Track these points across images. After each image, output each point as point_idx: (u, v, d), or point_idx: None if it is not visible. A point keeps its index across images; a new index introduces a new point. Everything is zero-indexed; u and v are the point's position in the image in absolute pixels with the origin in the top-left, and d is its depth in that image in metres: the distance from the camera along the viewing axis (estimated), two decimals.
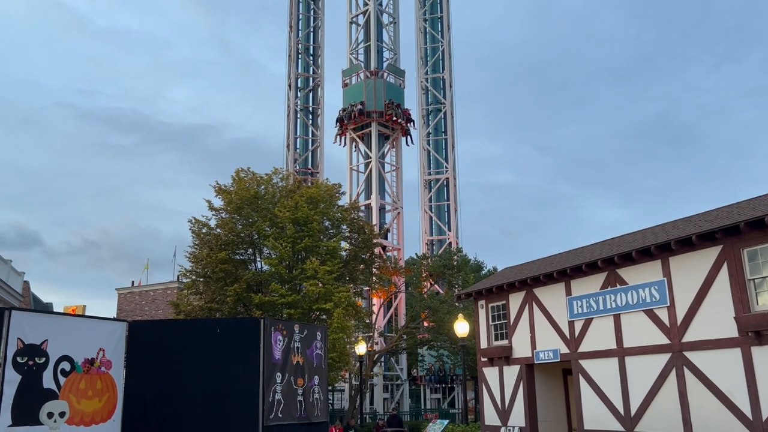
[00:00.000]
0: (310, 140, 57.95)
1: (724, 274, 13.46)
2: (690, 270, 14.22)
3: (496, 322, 20.16)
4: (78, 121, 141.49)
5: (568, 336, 17.34)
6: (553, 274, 17.43)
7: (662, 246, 14.49)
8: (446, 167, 54.99)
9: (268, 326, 10.43)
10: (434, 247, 53.23)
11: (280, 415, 10.35)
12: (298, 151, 57.22)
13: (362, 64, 51.41)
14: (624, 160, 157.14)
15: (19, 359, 8.53)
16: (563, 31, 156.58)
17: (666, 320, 14.63)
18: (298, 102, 57.97)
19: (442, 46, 57.51)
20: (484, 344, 20.48)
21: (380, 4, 53.85)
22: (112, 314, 49.06)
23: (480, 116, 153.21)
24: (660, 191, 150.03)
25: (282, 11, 76.84)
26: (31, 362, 8.66)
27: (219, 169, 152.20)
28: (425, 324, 36.93)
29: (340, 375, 31.35)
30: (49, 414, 8.73)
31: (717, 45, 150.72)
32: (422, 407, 45.72)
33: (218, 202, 27.87)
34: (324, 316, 26.23)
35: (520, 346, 19.00)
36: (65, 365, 9.10)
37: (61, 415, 8.89)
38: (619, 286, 15.91)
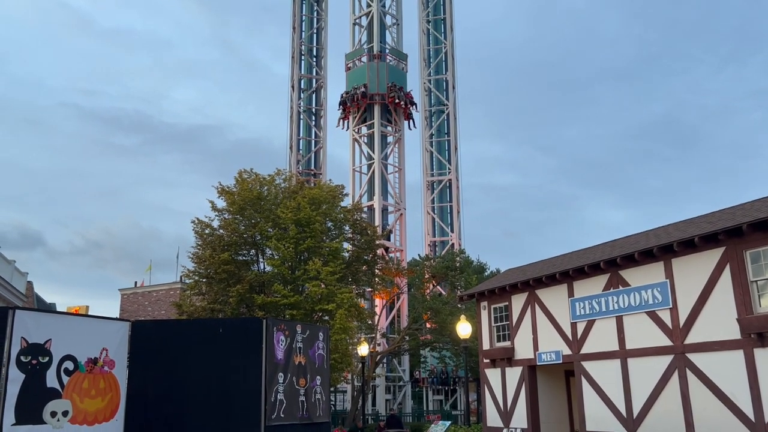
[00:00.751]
0: (313, 141, 58.02)
1: (726, 276, 13.45)
2: (693, 271, 14.21)
3: (499, 324, 20.16)
4: (81, 121, 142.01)
5: (570, 337, 17.33)
6: (555, 275, 17.43)
7: (665, 247, 14.48)
8: (449, 168, 55.00)
9: (270, 326, 10.46)
10: (437, 249, 53.23)
11: (282, 415, 10.37)
12: (301, 152, 57.31)
13: (365, 49, 51.95)
14: (627, 161, 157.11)
15: (22, 358, 8.58)
16: (566, 32, 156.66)
17: (668, 322, 14.62)
18: (301, 103, 58.06)
19: (444, 47, 57.53)
20: (486, 346, 20.48)
21: (383, 6, 53.93)
22: (115, 315, 49.12)
23: (482, 117, 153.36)
24: (663, 192, 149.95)
25: (285, 11, 76.96)
26: (34, 361, 8.70)
27: (222, 170, 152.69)
28: (428, 325, 36.92)
29: (342, 376, 31.34)
30: (52, 413, 8.77)
31: (721, 46, 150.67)
32: (424, 409, 45.70)
33: (221, 203, 27.95)
34: (326, 317, 26.25)
35: (523, 348, 19.00)
36: (68, 364, 9.14)
37: (65, 414, 8.93)
38: (621, 288, 15.90)
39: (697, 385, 13.79)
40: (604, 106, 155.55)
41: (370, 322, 35.77)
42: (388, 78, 49.63)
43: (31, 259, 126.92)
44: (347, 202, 31.93)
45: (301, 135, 57.75)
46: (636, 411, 15.13)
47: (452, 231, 53.78)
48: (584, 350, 16.83)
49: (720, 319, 13.47)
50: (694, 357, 13.94)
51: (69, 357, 9.15)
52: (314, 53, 59.83)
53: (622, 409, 15.48)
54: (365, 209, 42.10)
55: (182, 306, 27.76)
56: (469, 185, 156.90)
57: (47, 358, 8.86)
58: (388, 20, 54.76)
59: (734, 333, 13.13)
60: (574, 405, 18.69)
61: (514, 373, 19.27)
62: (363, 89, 49.20)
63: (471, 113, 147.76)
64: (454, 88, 57.02)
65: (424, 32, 58.44)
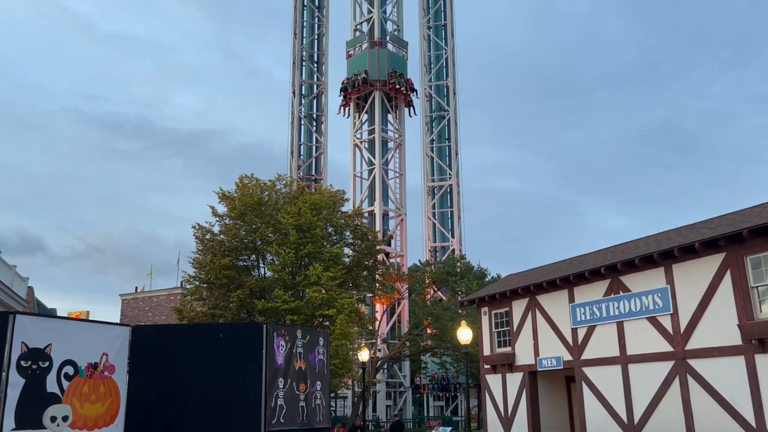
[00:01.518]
0: (314, 147, 58.14)
1: (727, 282, 13.44)
2: (693, 277, 14.20)
3: (499, 329, 20.14)
4: (83, 126, 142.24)
5: (571, 343, 17.31)
6: (556, 281, 17.42)
7: (665, 253, 14.48)
8: (450, 174, 55.06)
9: (270, 331, 10.45)
10: (437, 254, 53.23)
11: (282, 421, 10.35)
12: (301, 157, 57.44)
13: (366, 36, 52.41)
14: (628, 166, 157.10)
15: (23, 363, 8.57)
16: (567, 37, 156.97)
17: (669, 327, 14.60)
18: (302, 109, 58.23)
19: (445, 53, 57.72)
20: (487, 351, 20.45)
21: (384, 12, 54.16)
22: (116, 320, 49.11)
23: (484, 122, 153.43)
24: (664, 198, 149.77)
25: (287, 17, 77.19)
26: (35, 366, 8.70)
27: (223, 175, 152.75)
28: (428, 331, 36.89)
29: (343, 382, 31.32)
30: (52, 418, 8.76)
31: (723, 51, 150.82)
32: (425, 415, 45.61)
33: (222, 208, 28.01)
34: (327, 323, 26.24)
35: (523, 354, 18.97)
36: (69, 369, 9.13)
37: (64, 419, 8.92)
38: (622, 294, 15.89)
39: (698, 391, 13.75)
40: (605, 111, 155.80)
41: (370, 327, 35.74)
42: (388, 64, 50.15)
43: (31, 264, 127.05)
44: (348, 208, 32.01)
45: (302, 140, 57.89)
46: (637, 417, 15.09)
47: (453, 236, 53.79)
48: (585, 356, 16.81)
49: (721, 325, 13.45)
50: (695, 363, 13.92)
51: (69, 362, 9.15)
52: (315, 59, 60.03)
53: (623, 415, 15.44)
54: (366, 214, 42.14)
55: (183, 311, 27.78)
56: (470, 191, 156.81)
57: (47, 363, 8.85)
58: (389, 26, 55.00)
59: (735, 339, 13.11)
60: (575, 411, 18.64)
61: (514, 379, 19.24)
62: (364, 75, 49.61)
63: (472, 118, 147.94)
64: (454, 93, 57.16)
65: (424, 38, 58.64)
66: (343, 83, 51.51)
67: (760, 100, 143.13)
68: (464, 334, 22.90)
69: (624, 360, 15.64)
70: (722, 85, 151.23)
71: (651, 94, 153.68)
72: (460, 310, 33.77)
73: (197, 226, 27.97)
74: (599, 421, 16.14)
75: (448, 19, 58.91)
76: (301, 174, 55.60)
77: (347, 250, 30.34)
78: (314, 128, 58.39)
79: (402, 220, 50.43)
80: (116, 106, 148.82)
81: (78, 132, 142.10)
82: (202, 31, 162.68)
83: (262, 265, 28.46)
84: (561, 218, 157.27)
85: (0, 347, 8.43)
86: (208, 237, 27.66)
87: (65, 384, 9.03)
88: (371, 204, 49.07)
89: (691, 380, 13.95)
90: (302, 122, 58.08)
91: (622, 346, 15.74)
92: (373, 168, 49.56)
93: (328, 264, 26.58)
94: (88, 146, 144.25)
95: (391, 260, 44.92)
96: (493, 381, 20.16)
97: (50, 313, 50.15)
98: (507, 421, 19.27)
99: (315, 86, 59.31)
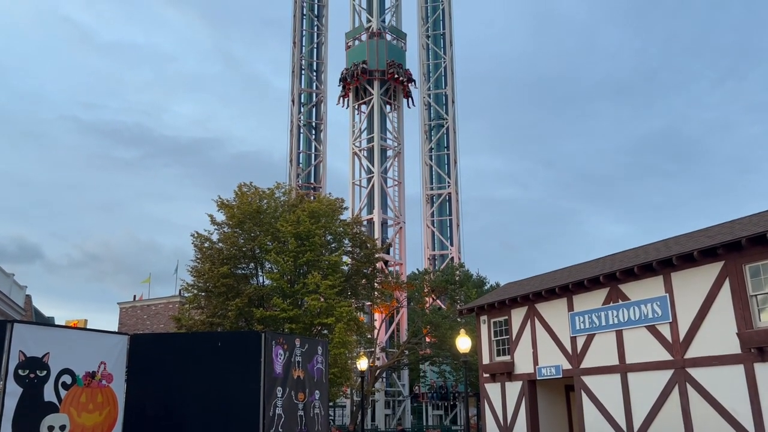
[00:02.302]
0: (313, 155, 58.21)
1: (726, 290, 13.45)
2: (692, 286, 14.21)
3: (499, 338, 20.11)
4: (82, 134, 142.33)
5: (570, 352, 17.28)
6: (555, 289, 17.42)
7: (664, 262, 14.49)
8: (448, 182, 55.12)
9: (269, 340, 10.42)
10: (436, 262, 53.20)
11: (280, 430, 10.31)
12: (301, 165, 57.50)
13: (364, 27, 52.91)
14: (627, 175, 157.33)
15: (20, 372, 8.54)
16: (566, 46, 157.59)
17: (668, 336, 14.59)
18: (302, 117, 58.34)
19: (444, 62, 57.91)
20: (486, 360, 20.41)
21: (383, 21, 54.39)
22: (114, 328, 48.96)
23: (482, 130, 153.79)
24: (663, 206, 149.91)
25: (286, 26, 77.49)
26: (32, 375, 8.67)
27: (222, 183, 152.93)
28: (427, 339, 36.81)
29: (342, 390, 31.20)
30: (49, 427, 8.72)
31: (721, 60, 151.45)
32: (424, 424, 45.42)
33: (220, 217, 27.97)
34: (325, 331, 26.17)
35: (523, 362, 18.93)
36: (66, 378, 9.09)
37: (62, 428, 8.88)
38: (621, 302, 15.88)
39: (698, 400, 13.73)
40: (604, 120, 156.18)
41: (369, 336, 35.65)
42: (387, 55, 50.63)
43: (29, 272, 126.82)
44: (347, 216, 31.99)
45: (301, 149, 57.97)
46: (636, 426, 15.05)
47: (452, 244, 53.78)
48: (584, 364, 16.78)
49: (720, 334, 13.45)
50: (694, 371, 13.90)
51: (67, 371, 9.11)
52: (314, 68, 60.20)
53: (623, 424, 15.40)
54: (365, 222, 42.15)
55: (181, 319, 27.69)
56: (469, 199, 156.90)
57: (45, 372, 8.82)
58: (388, 36, 55.20)
59: (734, 347, 13.10)
60: (574, 420, 18.59)
61: (514, 388, 19.19)
62: (363, 65, 49.98)
63: (471, 127, 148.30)
64: (453, 102, 57.32)
65: (423, 47, 58.87)
66: (342, 73, 51.97)
67: (758, 109, 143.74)
68: (463, 343, 22.85)
69: (623, 369, 15.62)
70: (720, 95, 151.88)
71: (649, 103, 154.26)
72: (459, 319, 33.72)
73: (196, 235, 27.93)
74: (599, 430, 16.09)
75: (446, 28, 59.15)
76: (300, 182, 55.64)
77: (346, 258, 30.31)
78: (313, 136, 58.49)
79: (401, 228, 50.44)
80: (115, 114, 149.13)
81: (77, 140, 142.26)
82: (201, 40, 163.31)
83: (260, 273, 28.41)
84: (560, 227, 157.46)
85: None
86: (206, 245, 27.62)
87: (63, 393, 8.99)
88: (370, 212, 49.09)
89: (690, 389, 13.93)
90: (301, 130, 58.19)
91: (621, 354, 15.72)
92: (372, 176, 49.62)
93: (326, 272, 26.54)
94: (87, 154, 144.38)
95: (390, 268, 44.88)
96: (492, 390, 20.11)
97: (48, 322, 50.04)
98: (506, 430, 19.21)
99: (314, 95, 59.46)
